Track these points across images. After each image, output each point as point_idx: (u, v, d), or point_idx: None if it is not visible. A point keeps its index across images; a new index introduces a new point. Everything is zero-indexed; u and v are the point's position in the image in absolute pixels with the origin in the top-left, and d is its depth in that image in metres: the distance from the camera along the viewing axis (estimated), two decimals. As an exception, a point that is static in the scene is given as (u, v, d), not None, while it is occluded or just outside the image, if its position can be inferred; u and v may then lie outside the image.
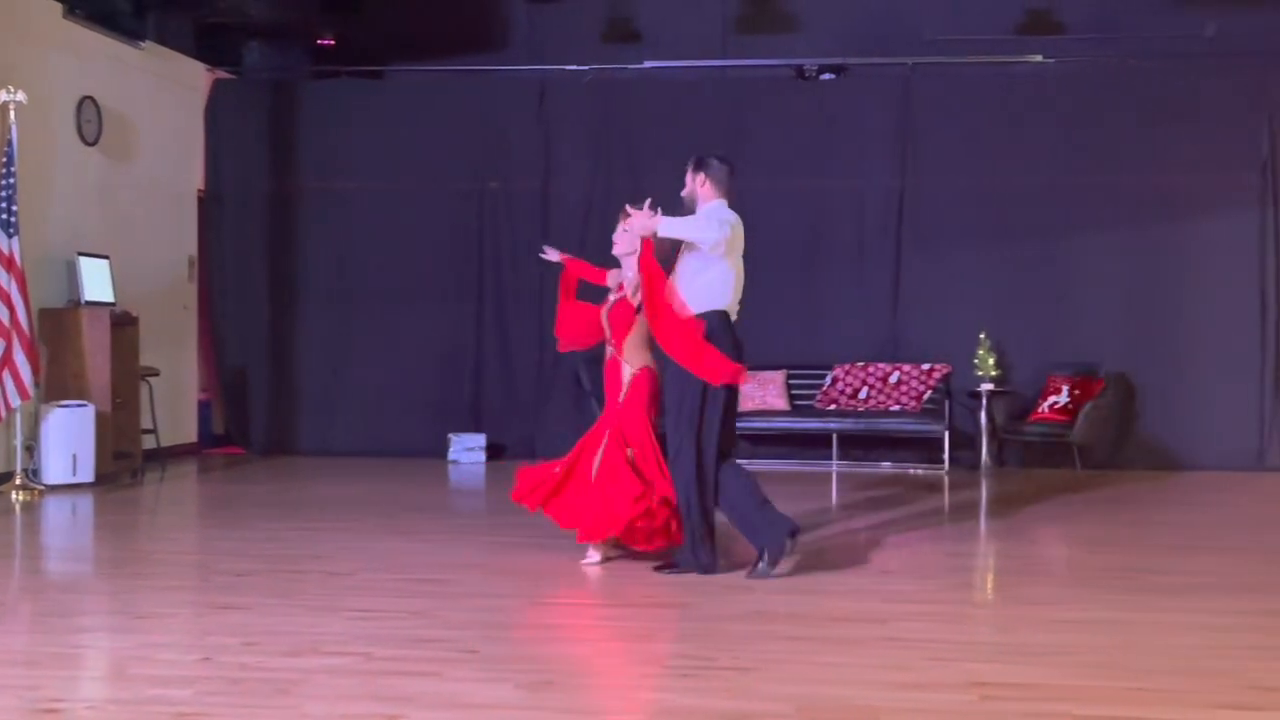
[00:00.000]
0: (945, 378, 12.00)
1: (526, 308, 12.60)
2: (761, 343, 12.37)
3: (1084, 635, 5.56)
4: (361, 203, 12.87)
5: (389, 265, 12.74)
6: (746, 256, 12.45)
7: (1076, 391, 11.57)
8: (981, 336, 11.75)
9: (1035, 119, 12.20)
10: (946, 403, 11.94)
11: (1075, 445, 11.41)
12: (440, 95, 12.81)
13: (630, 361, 7.11)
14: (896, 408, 11.85)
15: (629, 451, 6.93)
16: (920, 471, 11.80)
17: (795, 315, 12.40)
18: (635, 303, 7.06)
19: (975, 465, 11.87)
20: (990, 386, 11.72)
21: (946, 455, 11.86)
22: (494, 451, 12.33)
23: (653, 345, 6.99)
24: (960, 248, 12.22)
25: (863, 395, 11.99)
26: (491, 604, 6.11)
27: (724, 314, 6.97)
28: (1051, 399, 11.66)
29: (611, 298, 7.28)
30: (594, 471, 6.89)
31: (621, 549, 7.13)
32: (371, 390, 12.72)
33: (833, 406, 11.99)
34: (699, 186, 7.19)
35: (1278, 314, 11.93)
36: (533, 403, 12.56)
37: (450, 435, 12.29)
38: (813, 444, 12.14)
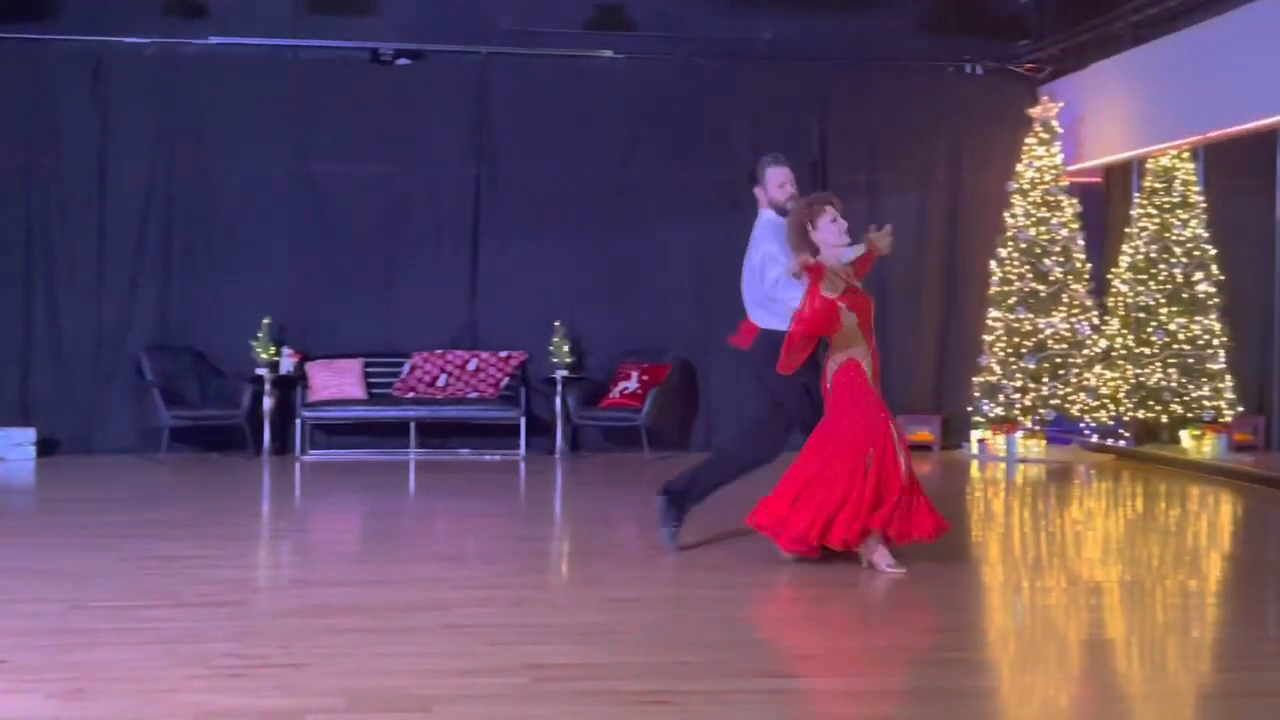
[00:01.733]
0: (522, 365, 12.14)
1: (82, 294, 11.81)
2: (338, 331, 12.19)
3: (635, 613, 5.73)
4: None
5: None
6: (322, 242, 12.27)
7: (645, 377, 11.96)
8: (557, 324, 11.95)
9: (607, 113, 12.50)
10: (523, 390, 12.08)
11: (644, 429, 11.79)
12: (-19, 65, 11.84)
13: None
14: (474, 395, 11.90)
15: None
16: (497, 458, 11.90)
17: (373, 302, 12.23)
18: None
19: (551, 451, 12.07)
20: (565, 373, 11.93)
21: (523, 441, 12.00)
22: (45, 447, 11.52)
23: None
24: (536, 237, 12.38)
25: (441, 383, 11.97)
26: (27, 610, 5.70)
27: None
28: (622, 385, 11.99)
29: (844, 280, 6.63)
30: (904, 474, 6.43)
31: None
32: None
33: (411, 394, 11.90)
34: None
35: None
36: (90, 394, 11.83)
37: (-6, 431, 11.41)
38: (391, 432, 12.01)
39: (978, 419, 12.18)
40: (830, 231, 6.60)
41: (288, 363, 11.72)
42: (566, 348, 11.91)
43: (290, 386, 11.84)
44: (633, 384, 11.94)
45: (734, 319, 12.43)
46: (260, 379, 11.58)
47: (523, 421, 12.00)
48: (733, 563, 6.95)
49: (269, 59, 12.33)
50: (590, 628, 5.48)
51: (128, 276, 11.89)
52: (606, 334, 12.40)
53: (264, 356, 11.57)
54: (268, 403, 11.64)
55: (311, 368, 11.79)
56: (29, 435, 11.39)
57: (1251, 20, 10.11)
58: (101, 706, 4.36)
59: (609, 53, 12.64)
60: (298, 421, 11.81)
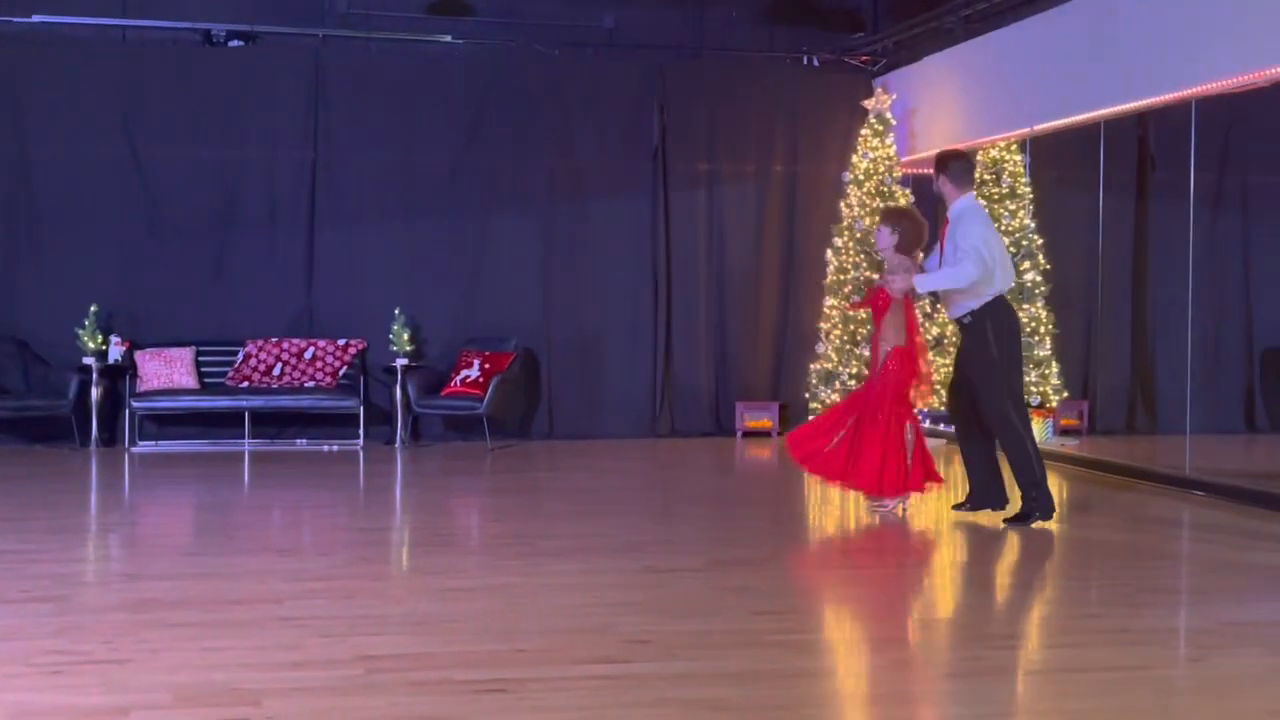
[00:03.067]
0: (361, 353, 11.98)
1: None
2: (169, 318, 11.88)
3: (471, 602, 5.70)
4: None
5: None
6: (151, 228, 11.92)
7: (487, 365, 11.88)
8: (397, 312, 11.82)
9: (447, 98, 12.37)
10: (362, 378, 11.92)
11: (486, 417, 11.72)
12: None
13: (886, 340, 7.99)
14: (311, 384, 11.69)
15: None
16: (336, 448, 11.73)
17: (205, 289, 11.94)
18: (891, 291, 7.95)
19: (391, 440, 11.94)
20: (405, 362, 11.81)
21: (362, 431, 11.84)
22: None
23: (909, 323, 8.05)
24: (375, 223, 12.22)
25: (277, 371, 11.74)
26: None
27: (1000, 298, 7.75)
28: (464, 373, 11.90)
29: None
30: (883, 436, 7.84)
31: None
32: None
33: (245, 384, 11.65)
34: (943, 186, 7.97)
35: (669, 291, 12.77)
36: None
37: None
38: (224, 423, 11.75)
39: (814, 406, 12.36)
40: None
41: (115, 351, 11.38)
42: (406, 335, 11.79)
43: (119, 376, 11.51)
44: (474, 372, 11.86)
45: (576, 307, 12.56)
46: (87, 368, 11.23)
47: (361, 411, 11.84)
48: (569, 550, 6.96)
49: (96, 38, 11.95)
50: (426, 618, 5.43)
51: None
52: (447, 322, 12.31)
53: (91, 345, 11.22)
54: (95, 393, 11.28)
55: (141, 356, 11.47)
56: None
57: (1077, 16, 10.42)
58: (-90, 709, 4.18)
59: (448, 38, 12.52)
60: (126, 412, 11.49)
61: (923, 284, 7.85)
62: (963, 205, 7.93)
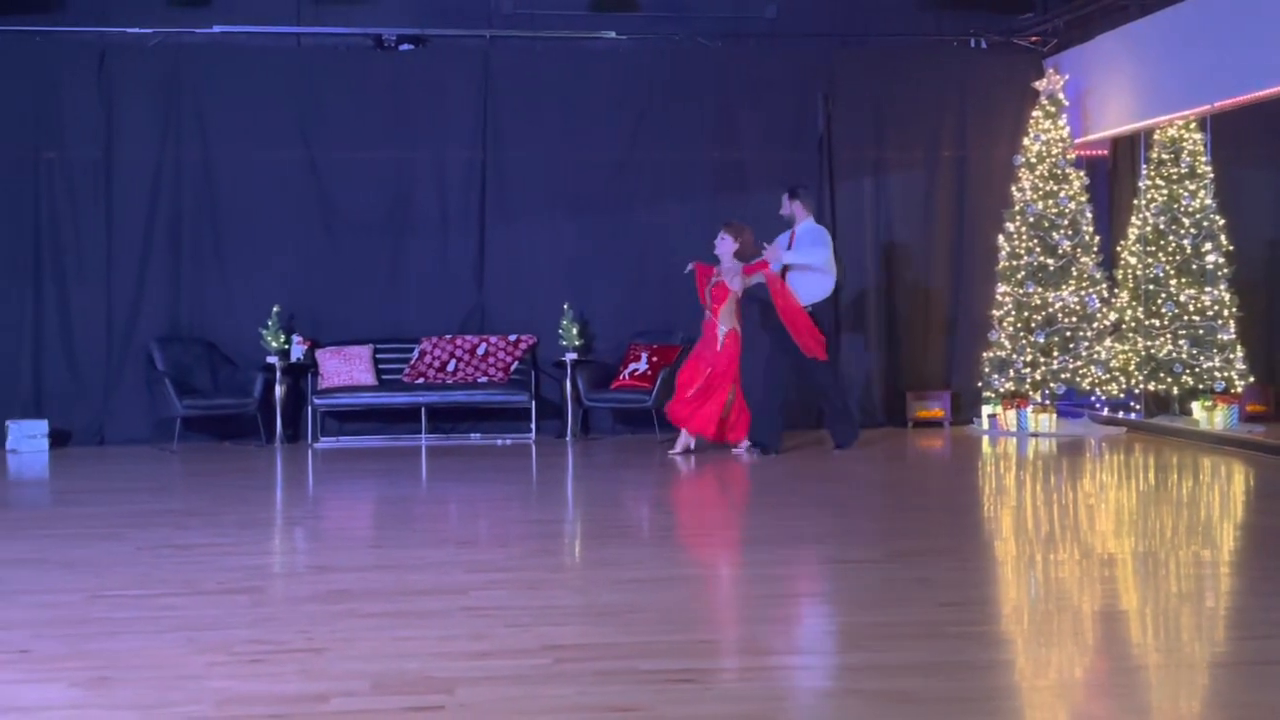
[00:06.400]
0: (531, 348, 12.15)
1: (91, 285, 11.80)
2: (348, 317, 12.21)
3: (653, 593, 5.75)
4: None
5: (-67, 241, 11.68)
6: (329, 230, 12.26)
7: (655, 358, 11.96)
8: (565, 307, 11.96)
9: (612, 94, 12.47)
10: (533, 373, 12.10)
11: (655, 410, 11.79)
12: (-13, 57, 11.83)
13: (724, 323, 10.56)
14: (484, 379, 11.91)
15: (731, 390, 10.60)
16: (509, 442, 11.92)
17: (380, 289, 12.24)
18: (733, 287, 10.55)
19: (562, 434, 12.09)
20: (574, 356, 11.95)
21: (534, 425, 12.03)
22: (58, 439, 11.56)
23: (738, 313, 10.65)
24: (543, 220, 12.38)
25: (451, 368, 11.98)
26: (46, 600, 5.72)
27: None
28: (632, 366, 12.00)
29: (713, 280, 10.66)
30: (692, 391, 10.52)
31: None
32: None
33: (421, 380, 11.92)
34: (795, 209, 10.75)
35: (836, 281, 12.65)
36: (101, 386, 11.84)
37: (8, 422, 11.43)
38: (401, 418, 12.04)
39: (988, 394, 12.17)
40: None
41: (298, 350, 11.74)
42: (575, 330, 11.92)
43: (301, 374, 11.86)
44: (642, 365, 11.95)
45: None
46: (271, 367, 11.60)
47: (533, 405, 12.02)
48: (746, 541, 6.98)
49: (273, 47, 12.33)
50: (607, 608, 5.50)
51: (136, 267, 11.91)
52: (615, 315, 12.41)
53: (274, 345, 11.59)
54: (279, 391, 11.66)
55: (322, 355, 11.81)
56: (41, 427, 11.42)
57: (1257, -11, 10.09)
58: (125, 694, 4.39)
59: (612, 34, 12.63)
60: (309, 409, 11.84)
61: (789, 258, 10.60)
62: (808, 225, 10.77)
